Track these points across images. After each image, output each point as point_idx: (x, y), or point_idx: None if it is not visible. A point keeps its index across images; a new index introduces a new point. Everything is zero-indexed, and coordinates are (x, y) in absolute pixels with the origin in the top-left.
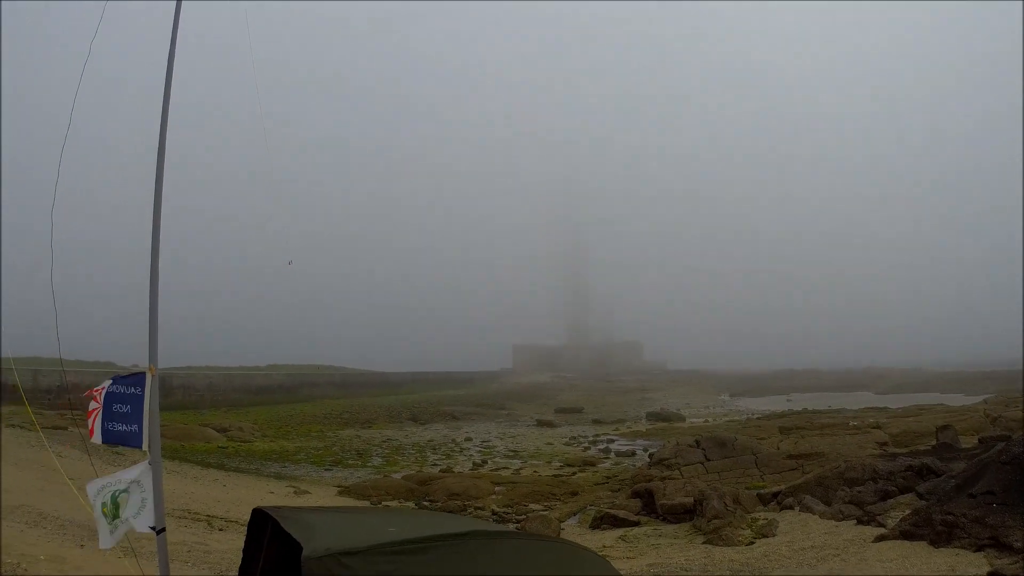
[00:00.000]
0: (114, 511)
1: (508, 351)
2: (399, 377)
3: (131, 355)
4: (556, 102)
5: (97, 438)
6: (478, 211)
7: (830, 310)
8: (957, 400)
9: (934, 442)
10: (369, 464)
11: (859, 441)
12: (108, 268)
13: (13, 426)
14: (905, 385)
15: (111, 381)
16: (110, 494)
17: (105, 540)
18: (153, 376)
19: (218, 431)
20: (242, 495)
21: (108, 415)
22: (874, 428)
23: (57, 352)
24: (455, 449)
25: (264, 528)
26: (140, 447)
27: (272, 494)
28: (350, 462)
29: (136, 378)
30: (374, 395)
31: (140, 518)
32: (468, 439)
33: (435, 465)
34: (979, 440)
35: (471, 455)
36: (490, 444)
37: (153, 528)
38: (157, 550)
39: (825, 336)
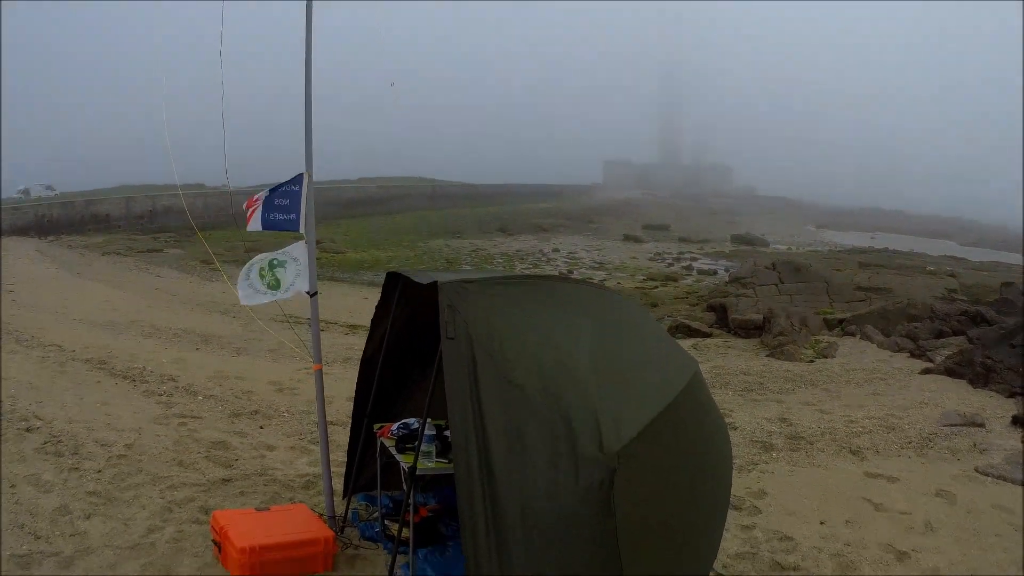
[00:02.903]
0: (273, 281)
1: (599, 166)
2: (489, 189)
3: (219, 177)
4: None
5: (256, 225)
6: (575, 24)
7: (925, 156)
8: None
9: (998, 296)
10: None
11: (930, 285)
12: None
13: (108, 253)
14: (988, 241)
15: (268, 192)
16: (268, 261)
17: (245, 296)
18: (309, 177)
19: None
20: (338, 302)
21: (269, 207)
22: (949, 275)
23: (156, 180)
24: (542, 259)
25: (394, 289)
26: (297, 231)
27: (366, 300)
28: (441, 271)
29: (296, 179)
30: (464, 207)
31: (296, 285)
32: (555, 250)
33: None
34: None
35: (557, 265)
36: (576, 256)
37: (308, 292)
38: (310, 310)
39: (916, 180)
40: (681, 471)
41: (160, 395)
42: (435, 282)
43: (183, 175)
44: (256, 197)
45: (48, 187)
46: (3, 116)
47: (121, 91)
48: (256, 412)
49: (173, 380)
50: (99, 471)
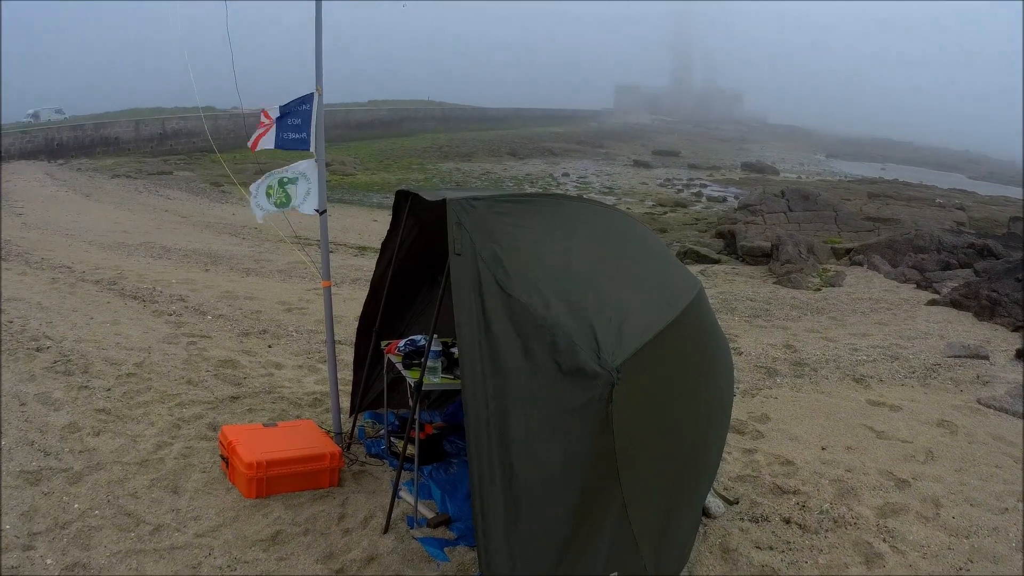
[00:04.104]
0: (283, 197)
1: (610, 91)
2: (499, 112)
3: (230, 99)
4: None
5: (269, 144)
6: None
7: (935, 87)
8: None
9: (1006, 231)
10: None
11: (939, 217)
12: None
13: (118, 176)
14: (998, 175)
15: (279, 110)
16: (277, 179)
17: (260, 214)
18: (319, 95)
19: None
20: (348, 223)
21: (283, 127)
22: (957, 208)
23: (165, 103)
24: (552, 183)
25: (404, 205)
26: (308, 149)
27: (375, 222)
28: (450, 188)
29: (306, 97)
30: (474, 130)
31: (306, 203)
32: (565, 174)
33: None
34: None
35: (567, 189)
36: (586, 180)
37: (317, 210)
38: (320, 228)
39: (927, 112)
40: (681, 390)
41: (170, 315)
42: (444, 199)
43: (192, 97)
44: (269, 114)
45: (58, 111)
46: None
47: (129, 12)
48: (265, 331)
49: (183, 300)
50: (108, 389)
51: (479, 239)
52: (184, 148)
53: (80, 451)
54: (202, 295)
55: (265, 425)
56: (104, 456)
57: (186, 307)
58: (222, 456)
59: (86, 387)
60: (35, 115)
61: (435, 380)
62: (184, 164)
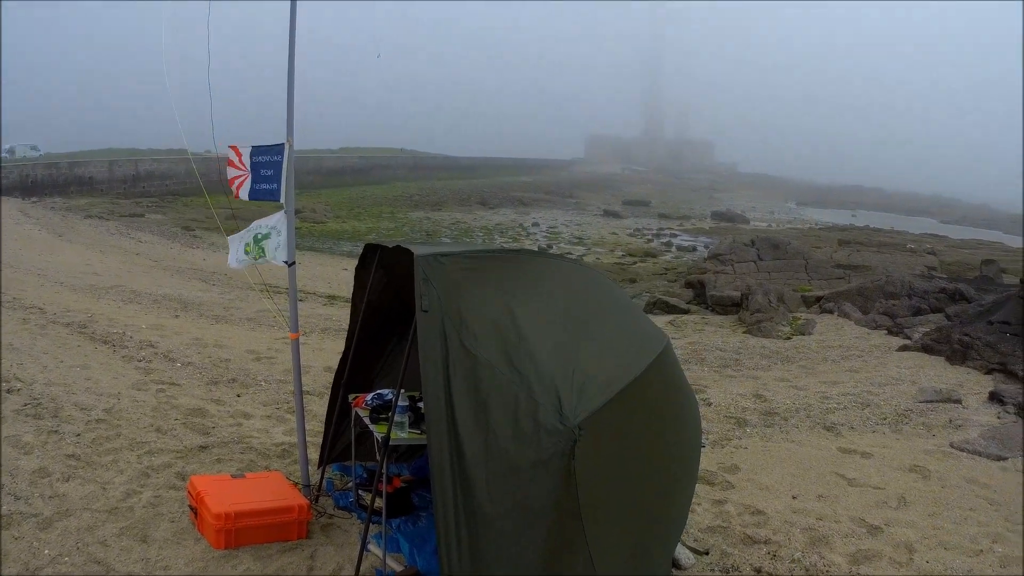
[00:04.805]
0: (259, 252)
1: (582, 141)
2: (470, 161)
3: (202, 142)
4: None
5: (244, 196)
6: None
7: (906, 134)
8: (1017, 242)
9: (978, 274)
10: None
11: (910, 262)
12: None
13: (91, 217)
14: (969, 219)
15: (251, 149)
16: (253, 236)
17: (237, 265)
18: (290, 146)
19: None
20: (318, 272)
21: (256, 178)
22: (929, 253)
23: (139, 144)
24: (522, 233)
25: (372, 259)
26: (279, 200)
27: (345, 271)
28: (419, 242)
29: (277, 148)
30: (445, 178)
31: (276, 255)
32: (535, 224)
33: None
34: (1021, 280)
35: (537, 239)
36: (556, 230)
37: (287, 262)
38: (288, 279)
39: (898, 159)
40: (647, 444)
41: (139, 361)
42: (411, 253)
43: (167, 140)
44: (239, 154)
45: (33, 147)
46: None
47: (110, 52)
48: (234, 380)
49: (152, 346)
50: (78, 434)
51: (446, 295)
52: (156, 191)
53: (50, 496)
54: (171, 341)
55: (233, 476)
56: (74, 502)
57: (155, 353)
58: (191, 506)
59: (56, 432)
60: (11, 151)
61: (402, 435)
62: (156, 207)
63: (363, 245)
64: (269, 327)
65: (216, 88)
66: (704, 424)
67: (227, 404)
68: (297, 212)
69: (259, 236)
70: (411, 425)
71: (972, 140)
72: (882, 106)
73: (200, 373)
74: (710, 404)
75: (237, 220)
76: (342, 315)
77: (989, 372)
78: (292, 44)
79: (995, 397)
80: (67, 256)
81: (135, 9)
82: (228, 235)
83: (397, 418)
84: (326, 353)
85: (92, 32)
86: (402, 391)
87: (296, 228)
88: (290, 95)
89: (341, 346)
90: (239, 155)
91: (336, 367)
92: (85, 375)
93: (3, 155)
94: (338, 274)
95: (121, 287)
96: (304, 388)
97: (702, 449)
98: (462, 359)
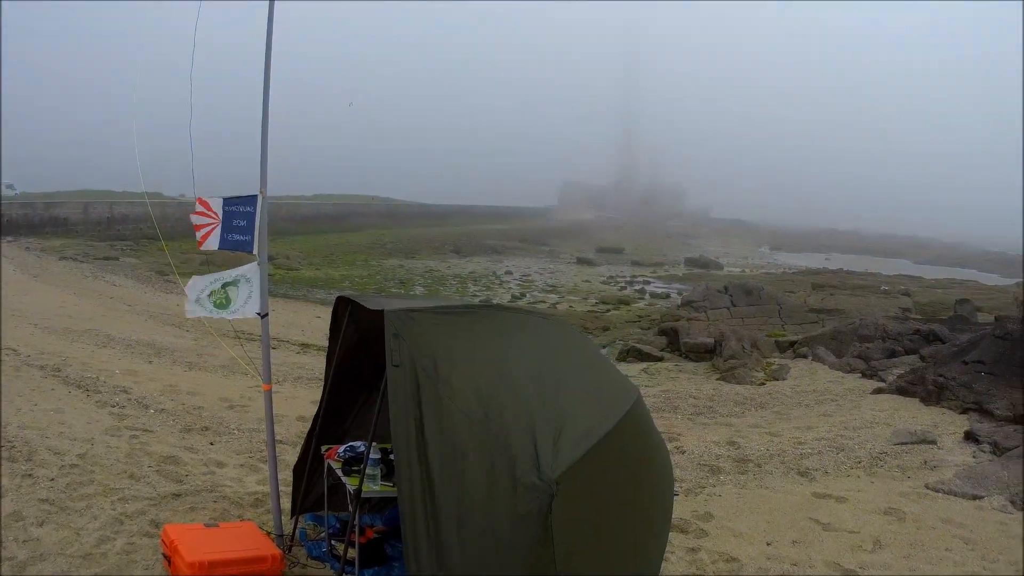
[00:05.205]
0: (223, 299)
1: (554, 189)
2: (444, 209)
3: (177, 185)
4: None
5: (214, 245)
6: (532, 48)
7: (880, 176)
8: (992, 280)
9: (952, 313)
10: (412, 293)
11: (884, 305)
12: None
13: (66, 258)
14: (944, 258)
15: (223, 200)
16: (221, 284)
17: (196, 314)
18: (263, 197)
19: None
20: (292, 319)
21: (228, 228)
22: (903, 295)
23: (115, 186)
24: (495, 281)
25: (344, 312)
26: (251, 252)
27: (319, 318)
28: (393, 290)
29: (250, 199)
30: (419, 226)
31: (248, 306)
32: (508, 272)
33: (475, 296)
34: (995, 318)
35: (510, 288)
36: (529, 278)
37: (259, 313)
38: (261, 332)
39: (872, 200)
40: (620, 497)
41: (113, 406)
42: (382, 309)
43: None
44: (205, 203)
45: (9, 186)
46: None
47: (87, 91)
48: (207, 428)
49: (126, 392)
50: (52, 479)
51: (418, 351)
52: (131, 234)
53: (24, 540)
54: (145, 387)
55: (207, 526)
56: (48, 547)
57: (129, 399)
58: (165, 555)
59: (30, 475)
60: None
61: (374, 487)
62: (131, 250)
63: (335, 296)
64: (243, 375)
65: (195, 133)
66: (677, 472)
67: (200, 452)
68: (271, 259)
69: (227, 283)
70: (383, 477)
71: (949, 181)
72: (854, 150)
73: (173, 420)
74: (683, 452)
75: (208, 267)
76: (315, 363)
77: (964, 412)
78: (266, 98)
79: (970, 436)
80: (42, 297)
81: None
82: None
83: (369, 471)
84: (299, 402)
85: (67, 70)
86: (374, 444)
87: (270, 275)
88: (264, 147)
89: (314, 395)
90: (208, 206)
91: (310, 416)
92: (59, 419)
93: None
94: (311, 322)
95: (95, 331)
96: (278, 437)
97: (675, 498)
98: (438, 413)
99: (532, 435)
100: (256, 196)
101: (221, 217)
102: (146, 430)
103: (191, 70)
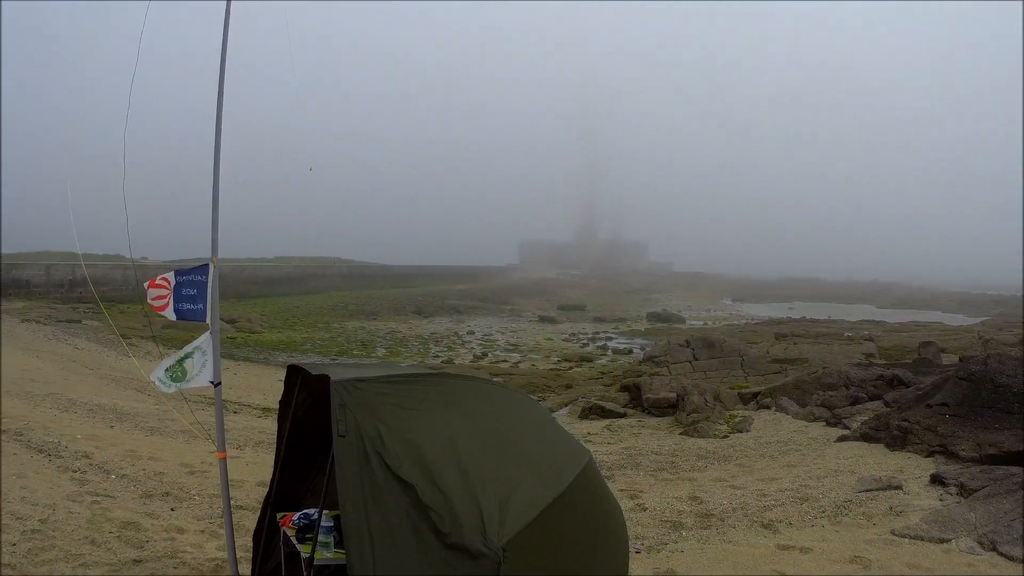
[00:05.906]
0: (179, 372)
1: (515, 247)
2: (405, 270)
3: (139, 248)
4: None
5: (171, 315)
6: (490, 111)
7: (840, 223)
8: (957, 320)
9: (916, 356)
10: (373, 355)
11: (848, 351)
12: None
13: (28, 320)
14: (908, 301)
15: (175, 272)
16: (177, 359)
17: (166, 389)
18: (215, 267)
19: (227, 322)
20: (252, 382)
21: (179, 298)
22: (867, 340)
23: (71, 247)
24: (457, 342)
25: (295, 380)
26: (204, 321)
27: (280, 382)
28: (355, 352)
29: (201, 268)
30: (380, 288)
31: (201, 375)
32: (470, 332)
33: (436, 357)
34: (960, 359)
35: (472, 348)
36: (491, 338)
37: (212, 382)
38: (215, 399)
39: (832, 248)
40: (572, 561)
41: (74, 471)
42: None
43: (103, 244)
44: (163, 278)
45: None
46: None
47: (47, 151)
48: (167, 494)
49: (87, 457)
50: (14, 544)
51: (364, 420)
52: (93, 296)
53: None
54: (107, 452)
55: None
56: None
57: (91, 464)
58: None
59: None
60: None
61: (327, 555)
62: (93, 313)
63: (288, 365)
64: (203, 440)
65: (154, 193)
66: (639, 529)
67: (161, 517)
68: (233, 322)
69: (183, 356)
70: (337, 544)
71: (912, 224)
72: (814, 198)
73: (135, 486)
74: (645, 509)
75: (166, 331)
76: (276, 428)
77: (930, 455)
78: (216, 166)
79: (936, 479)
80: (4, 360)
81: (59, 114)
82: (160, 355)
83: (321, 538)
84: (260, 467)
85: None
86: (325, 512)
87: (232, 338)
88: (215, 215)
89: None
90: (163, 281)
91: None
92: (20, 484)
93: None
94: (273, 385)
95: (57, 395)
96: (238, 503)
97: (636, 554)
98: (384, 481)
99: (478, 504)
100: (207, 265)
101: (173, 289)
102: (107, 495)
103: (124, 131)
